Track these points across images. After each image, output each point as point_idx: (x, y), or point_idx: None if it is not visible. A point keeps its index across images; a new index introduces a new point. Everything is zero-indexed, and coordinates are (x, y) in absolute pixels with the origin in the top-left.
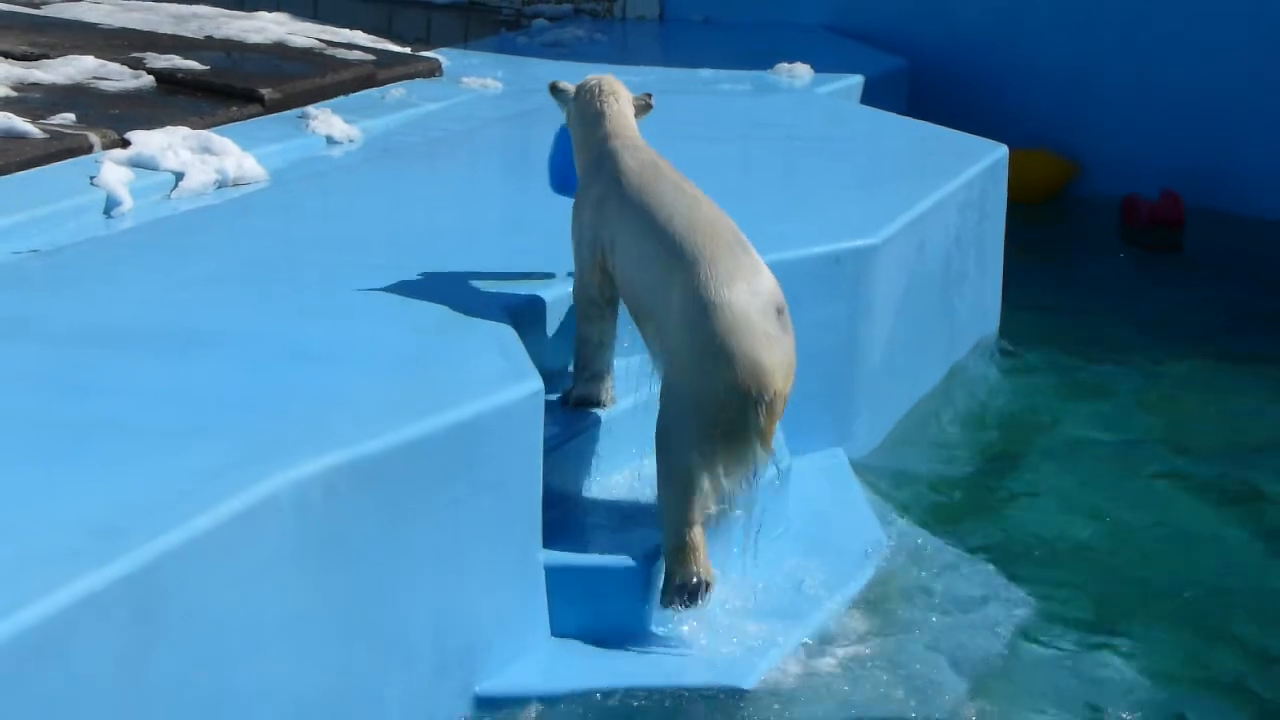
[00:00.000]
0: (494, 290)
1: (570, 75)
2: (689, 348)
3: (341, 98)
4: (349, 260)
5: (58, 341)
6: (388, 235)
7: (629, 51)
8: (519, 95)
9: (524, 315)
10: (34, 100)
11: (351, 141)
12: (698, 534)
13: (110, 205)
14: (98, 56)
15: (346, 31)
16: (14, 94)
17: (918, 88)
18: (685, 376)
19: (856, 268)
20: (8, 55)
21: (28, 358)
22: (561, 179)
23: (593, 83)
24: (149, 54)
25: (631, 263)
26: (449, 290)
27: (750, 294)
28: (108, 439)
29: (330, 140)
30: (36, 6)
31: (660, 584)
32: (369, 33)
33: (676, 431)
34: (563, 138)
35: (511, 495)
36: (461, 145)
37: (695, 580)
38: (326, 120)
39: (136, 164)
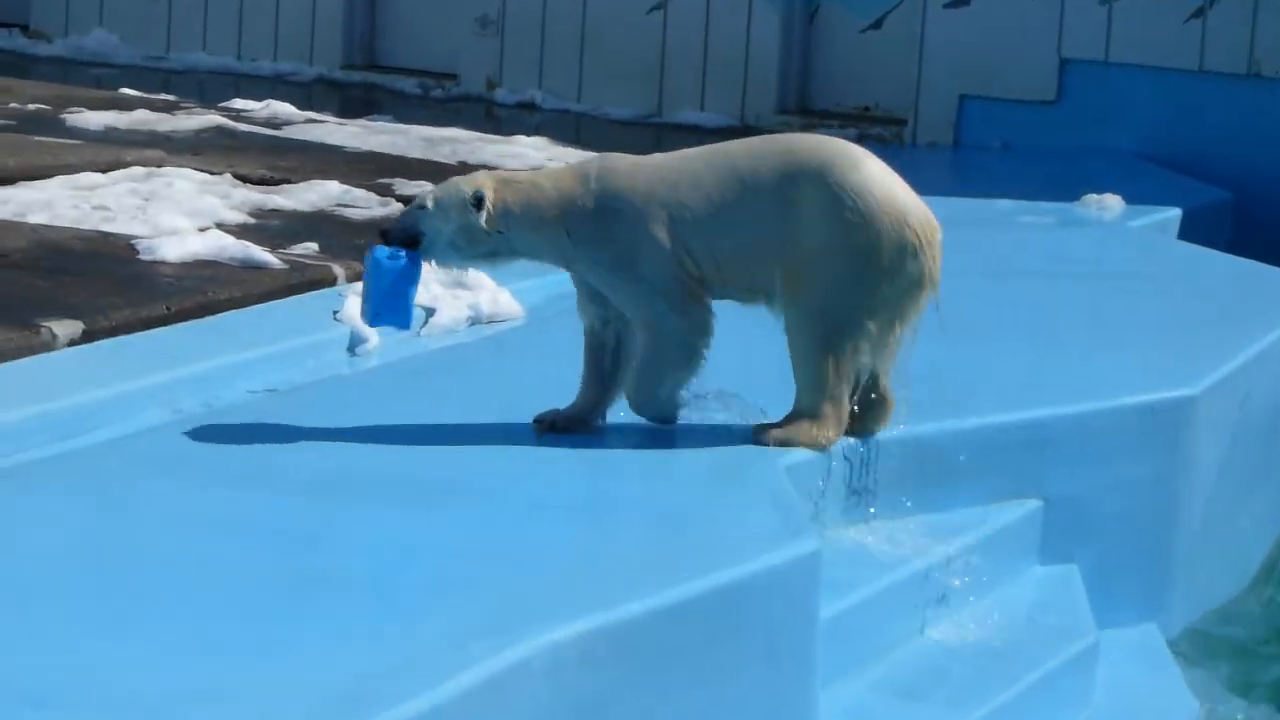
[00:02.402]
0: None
1: None
2: (848, 231)
3: None
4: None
5: (292, 489)
6: None
7: (920, 179)
8: None
9: (801, 468)
10: (273, 228)
11: None
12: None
13: (354, 342)
14: (342, 182)
15: None
16: (252, 221)
17: (1243, 222)
18: (848, 261)
19: (1173, 420)
20: (246, 179)
21: (259, 506)
22: (387, 309)
23: (481, 183)
24: (397, 180)
25: (735, 231)
26: (717, 438)
27: (869, 156)
28: (345, 595)
29: None
30: (277, 128)
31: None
32: None
33: (835, 313)
34: (385, 266)
35: (784, 667)
36: None
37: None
38: None
39: None
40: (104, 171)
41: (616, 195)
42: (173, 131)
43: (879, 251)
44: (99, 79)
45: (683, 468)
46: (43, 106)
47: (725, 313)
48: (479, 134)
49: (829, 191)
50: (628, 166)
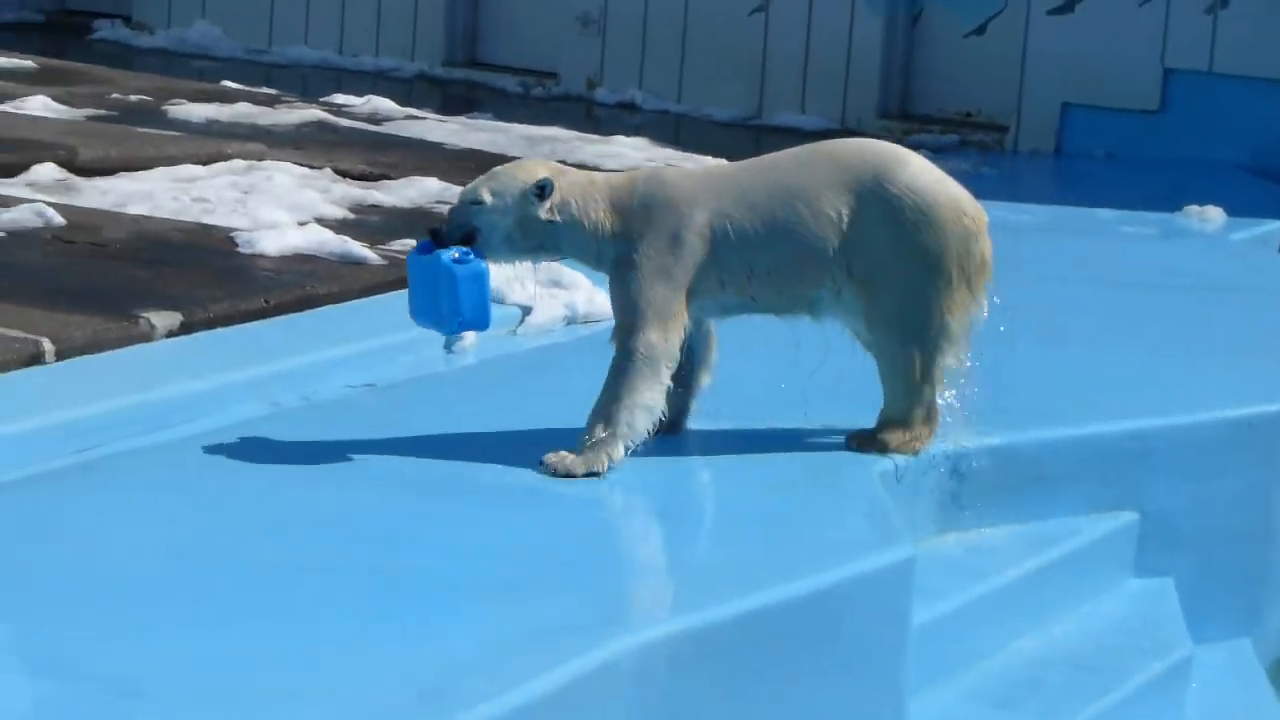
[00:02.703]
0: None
1: None
2: (914, 231)
3: None
4: (702, 407)
5: (386, 486)
6: (745, 379)
7: (1020, 187)
8: None
9: (896, 474)
10: (372, 224)
11: None
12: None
13: (451, 340)
14: (441, 179)
15: (710, 158)
16: (351, 216)
17: None
18: (918, 261)
19: (1272, 434)
20: (346, 175)
21: (353, 502)
22: (472, 315)
23: (540, 172)
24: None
25: (780, 244)
26: (810, 441)
27: (910, 152)
28: (434, 592)
29: None
30: (378, 123)
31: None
32: (734, 160)
33: (916, 314)
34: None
35: (875, 674)
36: None
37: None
38: None
39: None
40: (205, 164)
41: (661, 200)
42: (274, 125)
43: (946, 246)
44: (201, 71)
45: (775, 472)
46: (145, 98)
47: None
48: (578, 133)
49: (886, 195)
50: (676, 176)
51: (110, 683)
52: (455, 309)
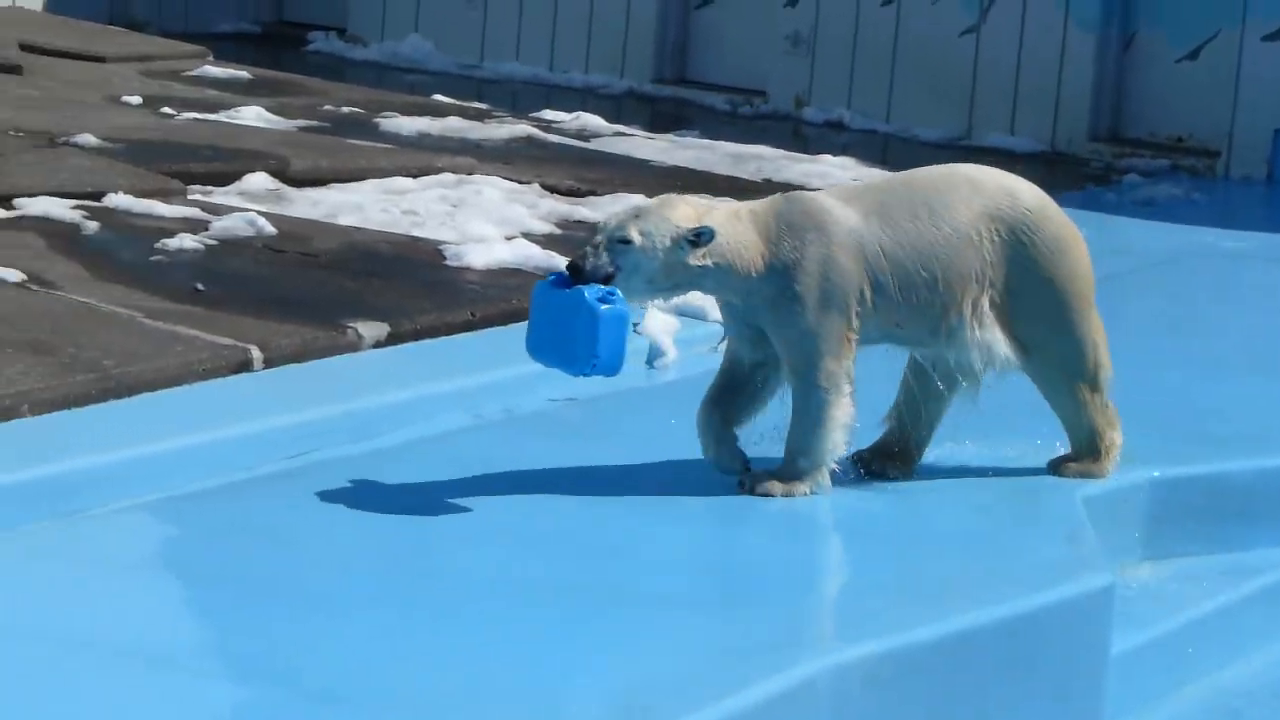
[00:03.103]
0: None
1: (1161, 238)
2: (1051, 260)
3: None
4: None
5: (586, 499)
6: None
7: (1230, 214)
8: (1105, 256)
9: (1098, 500)
10: (578, 239)
11: None
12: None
13: (653, 355)
14: (648, 195)
15: None
16: (558, 231)
17: None
18: (1061, 288)
19: None
20: (553, 190)
21: (555, 515)
22: (608, 358)
23: (692, 215)
24: (702, 195)
25: (924, 266)
26: (1013, 463)
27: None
28: (634, 607)
29: None
30: (586, 140)
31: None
32: None
33: (1071, 340)
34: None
35: (1072, 702)
36: None
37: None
38: None
39: (684, 313)
40: (415, 176)
41: (809, 225)
42: (483, 139)
43: (1079, 270)
44: (413, 85)
45: (976, 494)
46: (357, 110)
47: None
48: (785, 152)
49: (1024, 220)
50: (819, 198)
51: (312, 689)
52: (591, 351)
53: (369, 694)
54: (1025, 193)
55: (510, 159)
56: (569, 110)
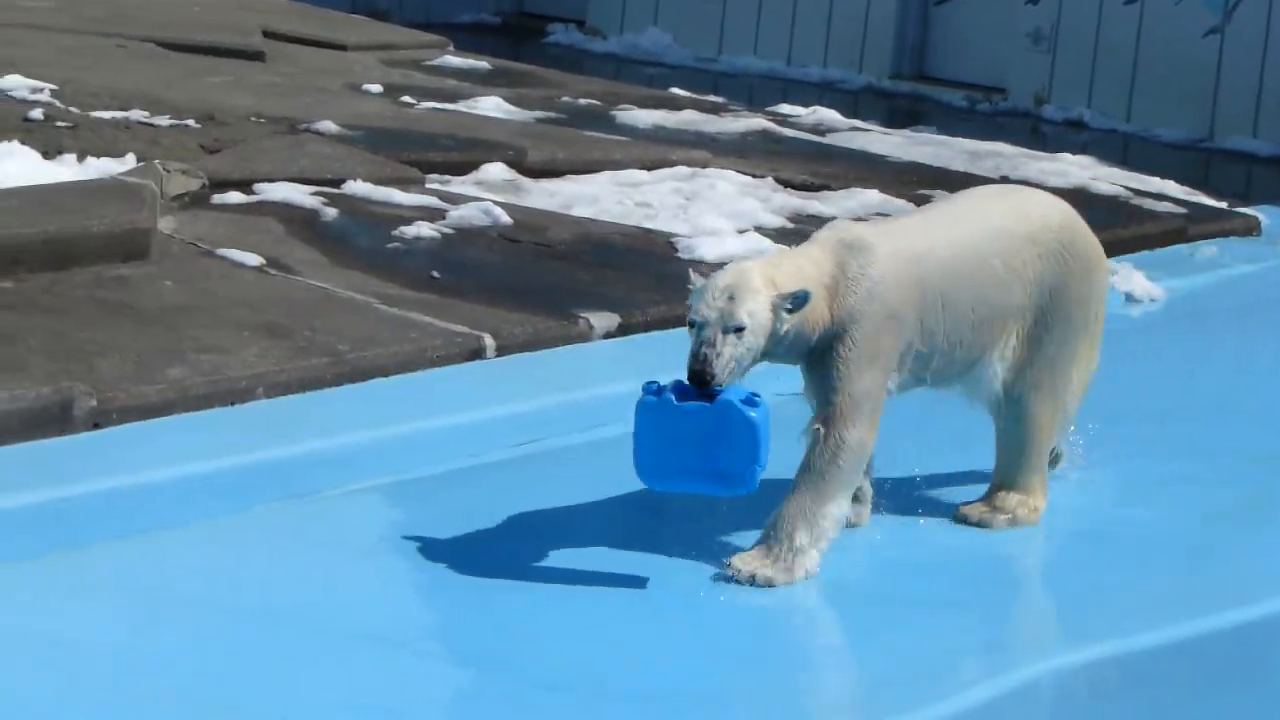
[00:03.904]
0: None
1: None
2: (1076, 280)
3: (1145, 252)
4: (1141, 433)
5: None
6: (1181, 406)
7: None
8: None
9: None
10: (810, 233)
11: (1153, 301)
12: None
13: None
14: (882, 191)
15: (1157, 180)
16: (790, 225)
17: None
18: (1072, 308)
19: None
20: (787, 184)
21: (774, 506)
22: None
23: (765, 278)
24: (938, 192)
25: (976, 302)
26: (1247, 473)
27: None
28: (866, 607)
29: (1129, 298)
30: (821, 134)
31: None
32: (1182, 183)
33: (1064, 369)
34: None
35: None
36: (1278, 314)
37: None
38: (1126, 276)
39: None
40: (649, 169)
41: (877, 279)
42: (719, 133)
43: (1096, 297)
44: (650, 78)
45: (1207, 501)
46: (594, 102)
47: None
48: (1023, 150)
49: (1067, 247)
50: (881, 245)
51: (538, 677)
52: (753, 460)
53: (593, 685)
54: (1069, 219)
55: (745, 153)
56: (805, 104)
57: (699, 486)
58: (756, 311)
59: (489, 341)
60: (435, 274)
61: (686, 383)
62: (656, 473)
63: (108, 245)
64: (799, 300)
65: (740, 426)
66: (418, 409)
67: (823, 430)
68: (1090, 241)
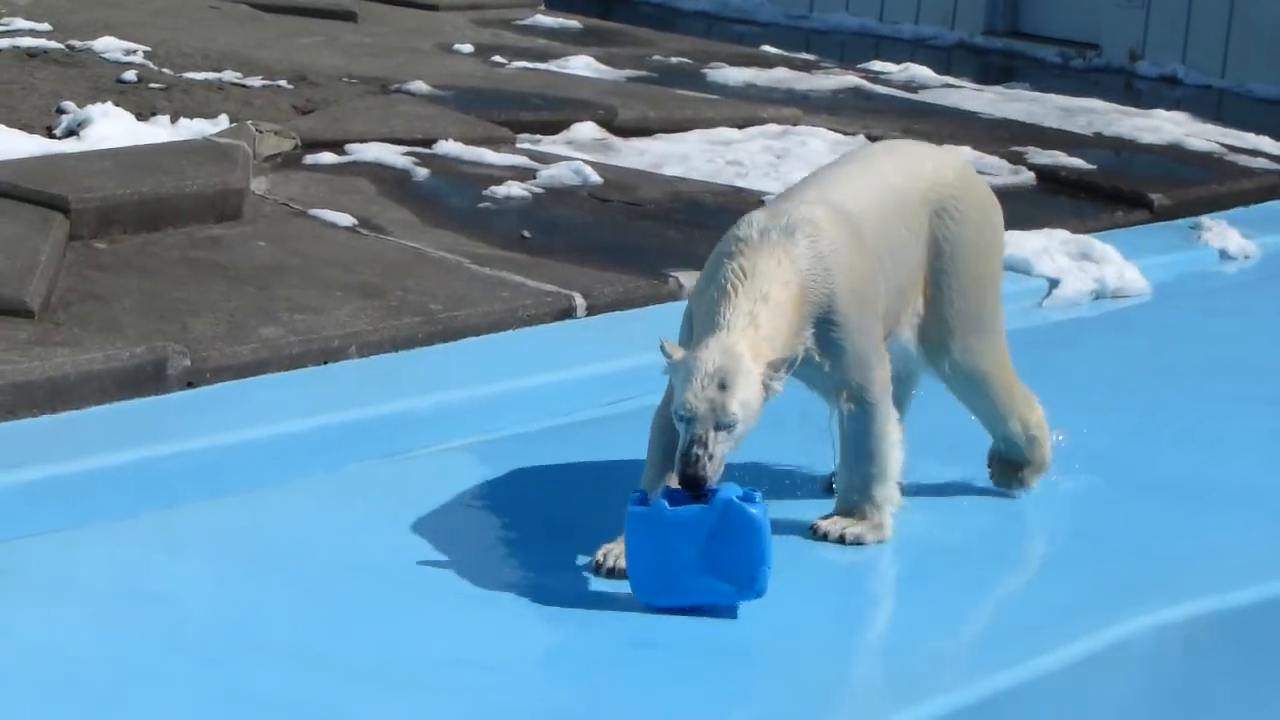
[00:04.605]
0: None
1: None
2: (974, 230)
3: (1240, 209)
4: (1233, 390)
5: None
6: (1275, 361)
7: None
8: None
9: None
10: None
11: (1248, 258)
12: None
13: None
14: (975, 148)
15: (1252, 136)
16: None
17: None
18: (987, 263)
19: None
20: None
21: None
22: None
23: (752, 352)
24: (1030, 148)
25: (901, 257)
26: None
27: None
28: (959, 567)
29: (1224, 255)
30: (913, 91)
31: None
32: (1276, 139)
33: (992, 314)
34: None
35: None
36: None
37: None
38: (1221, 232)
39: (1008, 266)
40: (740, 127)
41: (832, 241)
42: (810, 90)
43: (999, 246)
44: (741, 35)
45: None
46: (685, 60)
47: None
48: (1117, 106)
49: (960, 200)
50: (821, 216)
51: (630, 636)
52: (761, 561)
53: (681, 640)
54: (963, 171)
55: (836, 110)
56: (897, 61)
57: (704, 598)
58: (750, 400)
59: (579, 301)
60: (526, 234)
61: (675, 487)
62: (661, 591)
63: (201, 206)
64: (789, 367)
65: (743, 527)
66: (509, 368)
67: (852, 406)
68: (986, 193)
